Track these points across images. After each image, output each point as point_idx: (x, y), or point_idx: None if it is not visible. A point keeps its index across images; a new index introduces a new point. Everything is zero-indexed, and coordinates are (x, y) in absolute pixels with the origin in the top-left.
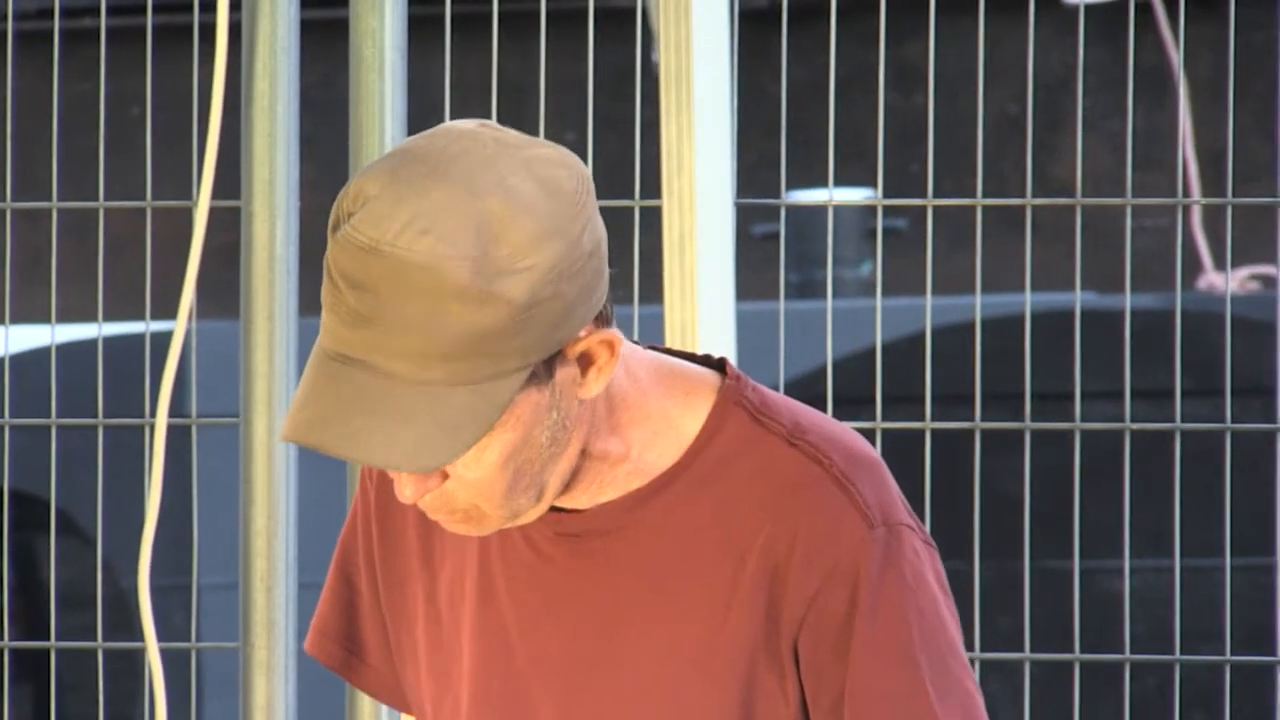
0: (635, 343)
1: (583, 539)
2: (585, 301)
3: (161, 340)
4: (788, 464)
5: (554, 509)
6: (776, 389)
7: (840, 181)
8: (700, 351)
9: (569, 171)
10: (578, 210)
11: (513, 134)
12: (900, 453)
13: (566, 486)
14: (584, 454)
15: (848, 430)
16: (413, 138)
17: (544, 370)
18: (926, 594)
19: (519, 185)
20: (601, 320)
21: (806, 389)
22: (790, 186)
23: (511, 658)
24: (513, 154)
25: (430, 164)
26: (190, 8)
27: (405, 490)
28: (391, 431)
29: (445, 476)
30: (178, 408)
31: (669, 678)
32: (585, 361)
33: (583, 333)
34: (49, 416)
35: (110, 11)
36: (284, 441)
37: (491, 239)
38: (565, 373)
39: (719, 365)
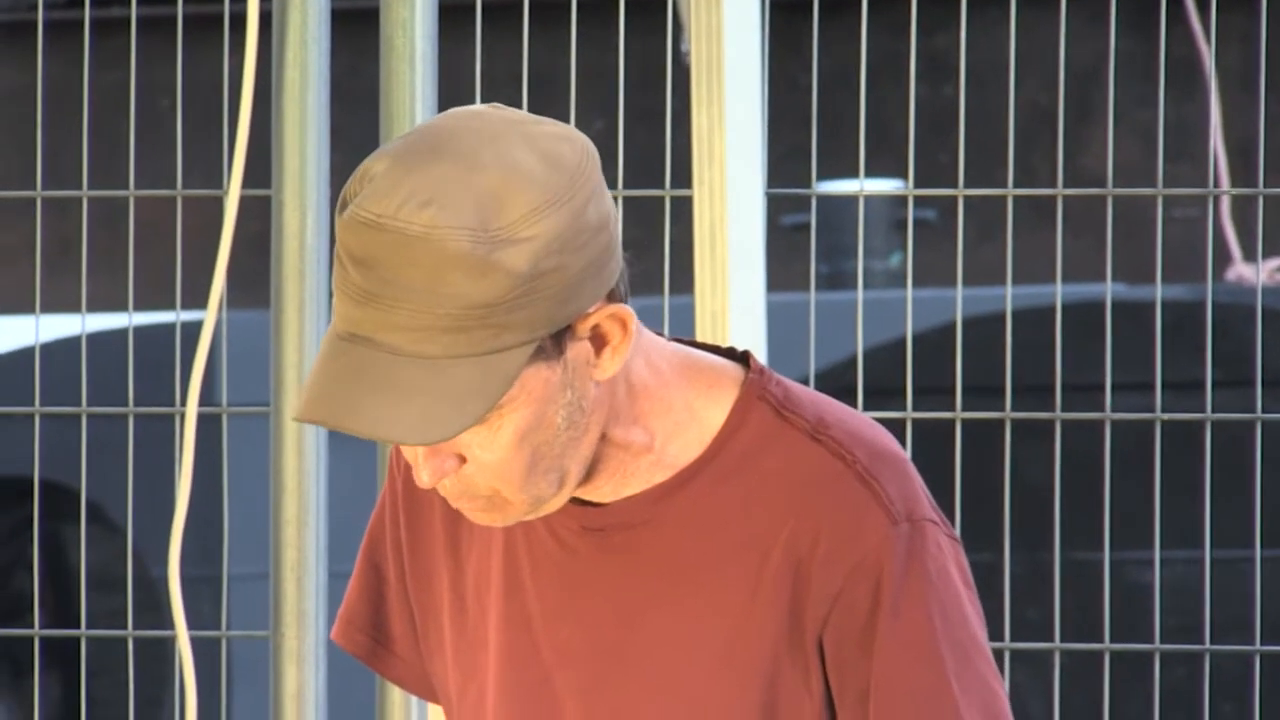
0: (659, 334)
1: (607, 533)
2: (594, 277)
3: (192, 329)
4: (811, 459)
5: (578, 502)
6: (806, 381)
7: (869, 172)
8: (731, 342)
9: (572, 145)
10: (581, 182)
11: (519, 113)
12: (930, 443)
13: (589, 475)
14: (605, 440)
15: (872, 424)
16: (424, 121)
17: (553, 345)
18: (950, 589)
19: (521, 158)
20: (615, 299)
21: (836, 380)
22: (819, 177)
23: (536, 649)
24: (517, 129)
25: (434, 141)
26: None
27: (422, 474)
28: (395, 405)
29: (462, 460)
30: (208, 397)
31: (692, 671)
32: (598, 340)
33: (592, 308)
34: (79, 405)
35: (141, 1)
36: (294, 420)
37: (492, 210)
38: (577, 350)
39: (742, 358)
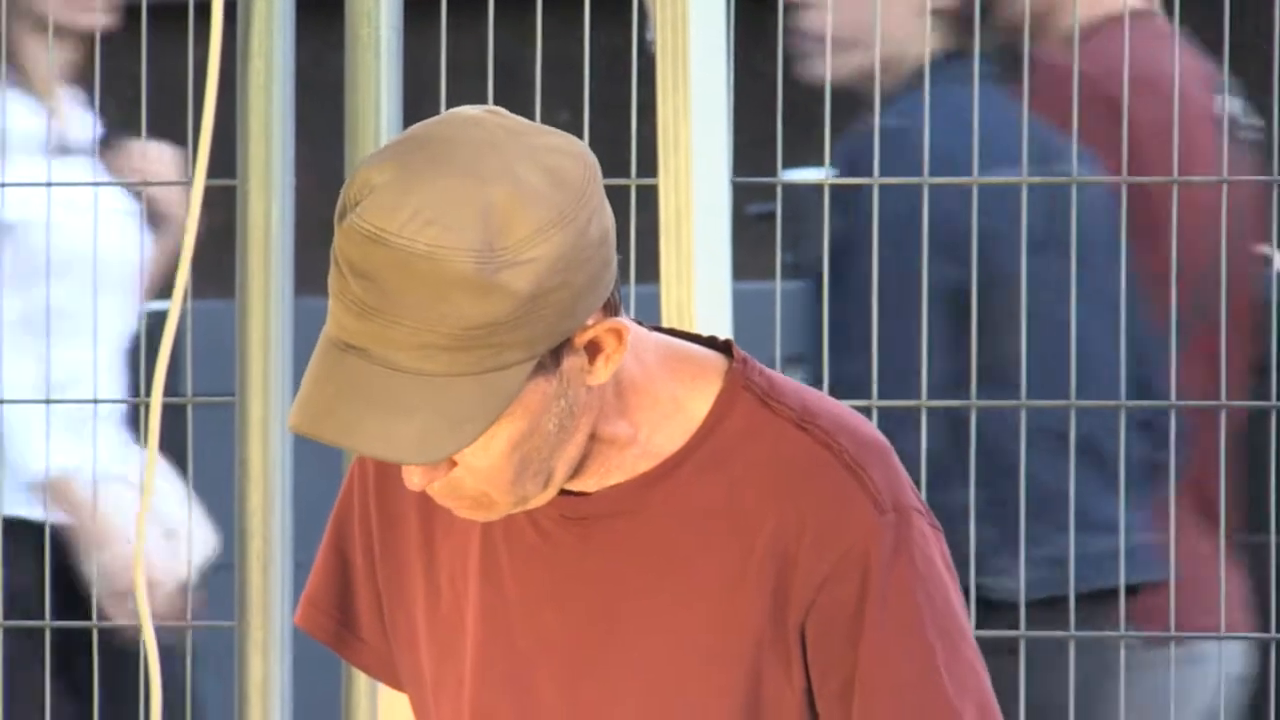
0: (639, 323)
1: (589, 522)
2: (593, 290)
3: (157, 319)
4: (797, 448)
5: (560, 491)
6: (772, 368)
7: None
8: (697, 331)
9: (575, 160)
10: (585, 199)
11: (520, 121)
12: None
13: (575, 471)
14: (592, 438)
15: (855, 414)
16: (419, 124)
17: (551, 360)
18: (936, 578)
19: (525, 175)
20: (609, 308)
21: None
22: (784, 165)
23: (515, 638)
24: (519, 142)
25: (436, 152)
26: None
27: (413, 478)
28: (394, 423)
29: (453, 465)
30: (173, 387)
31: (674, 661)
32: (593, 350)
33: (590, 321)
34: (44, 395)
35: None
36: (291, 431)
37: (497, 230)
38: (573, 361)
39: (725, 347)
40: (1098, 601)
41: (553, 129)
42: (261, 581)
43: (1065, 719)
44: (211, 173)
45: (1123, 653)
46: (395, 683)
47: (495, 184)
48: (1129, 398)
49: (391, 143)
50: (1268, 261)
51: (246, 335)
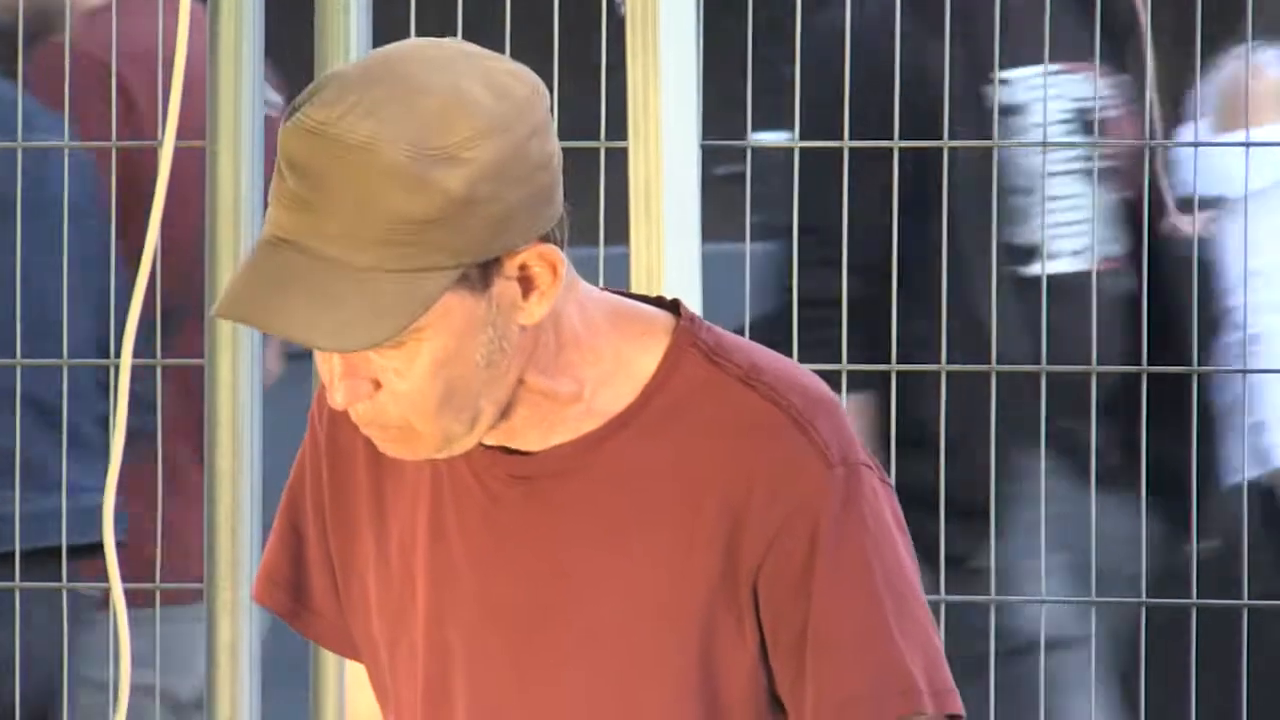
0: (593, 285)
1: (535, 481)
2: (530, 214)
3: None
4: (745, 405)
5: (505, 451)
6: (741, 331)
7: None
8: (667, 293)
9: (522, 81)
10: (527, 115)
11: (479, 49)
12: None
13: (507, 418)
14: (524, 385)
15: (804, 371)
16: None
17: (479, 277)
18: (886, 534)
19: (469, 86)
20: (550, 242)
21: (770, 331)
22: (753, 128)
23: (464, 601)
24: (472, 62)
25: (387, 62)
26: None
27: (336, 395)
28: (316, 311)
29: (378, 386)
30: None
31: (625, 622)
32: (526, 283)
33: (523, 246)
34: (14, 357)
35: None
36: (214, 316)
37: (435, 129)
38: (504, 288)
39: (673, 307)
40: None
41: (511, 60)
42: (230, 544)
43: None
44: (181, 135)
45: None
46: (352, 654)
47: (438, 92)
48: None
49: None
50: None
51: (215, 297)
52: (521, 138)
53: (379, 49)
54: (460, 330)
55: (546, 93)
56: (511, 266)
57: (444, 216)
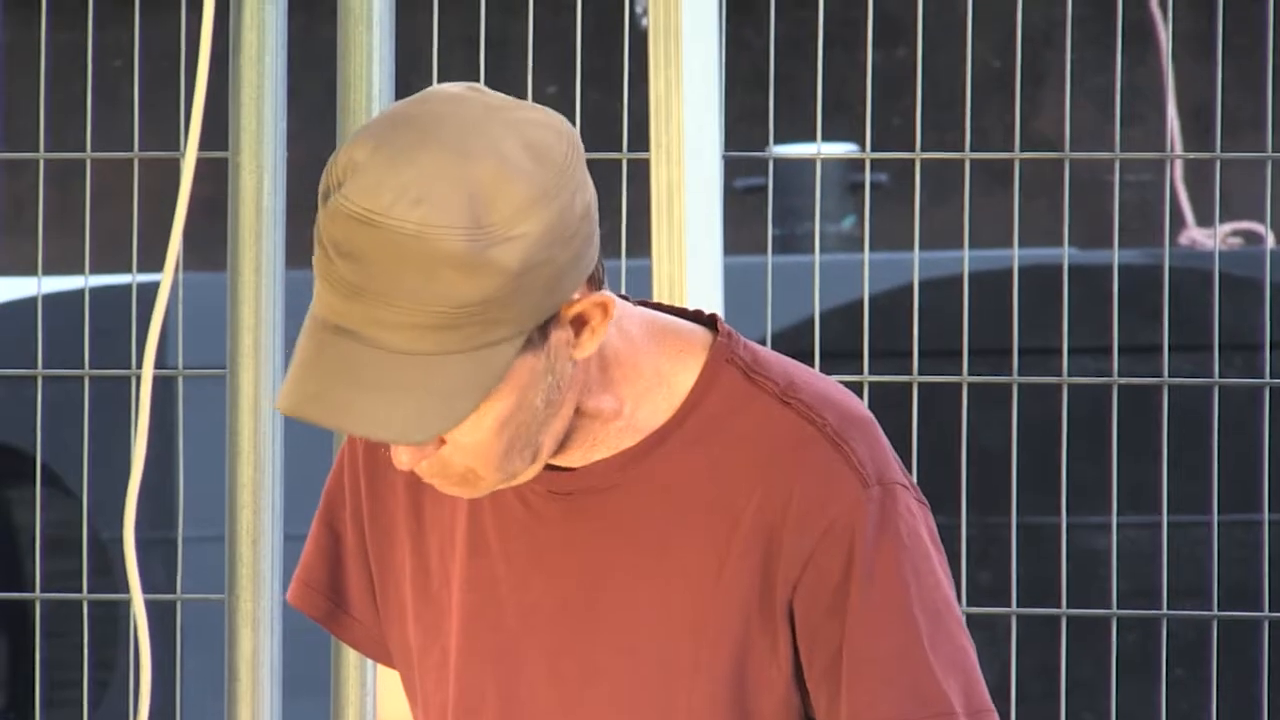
0: (624, 297)
1: (575, 497)
2: (578, 264)
3: (148, 292)
4: (782, 423)
5: (546, 467)
6: (763, 344)
7: (821, 136)
8: (688, 305)
9: (558, 135)
10: (569, 174)
11: (500, 97)
12: (886, 407)
13: (561, 446)
14: (578, 413)
15: (841, 388)
16: (400, 102)
17: (538, 335)
18: (921, 552)
19: (509, 151)
20: (594, 281)
21: (792, 343)
22: (770, 141)
23: (501, 612)
24: (501, 117)
25: (419, 129)
26: None
27: (402, 457)
28: (386, 403)
29: (442, 443)
30: (163, 359)
31: (660, 636)
32: (579, 323)
33: (576, 295)
34: (35, 368)
35: None
36: (281, 413)
37: (484, 207)
38: (559, 335)
39: (710, 322)
40: None
41: (532, 104)
42: (251, 555)
43: None
44: (202, 145)
45: None
46: (386, 659)
47: (480, 160)
48: None
49: (372, 122)
50: None
51: (238, 308)
52: (566, 199)
53: (399, 106)
54: (524, 386)
55: (577, 136)
56: (567, 316)
57: (503, 293)
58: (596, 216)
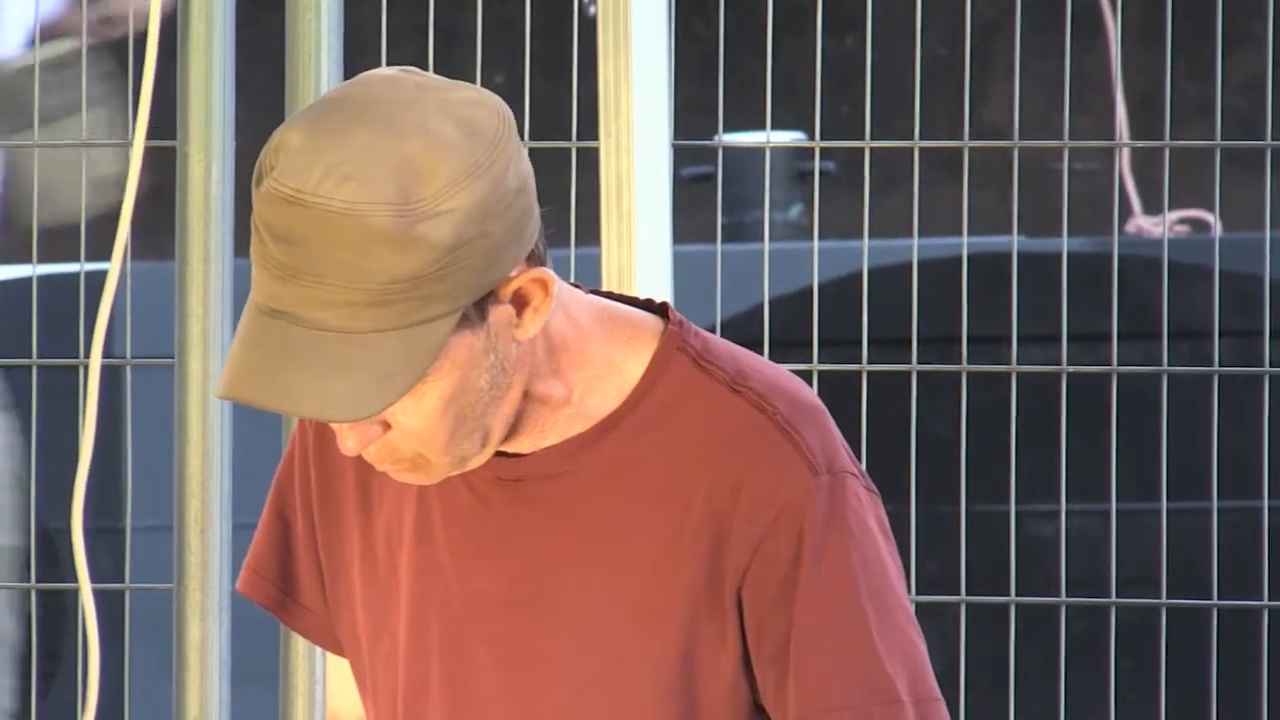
0: (576, 285)
1: (523, 483)
2: (515, 241)
3: (95, 281)
4: (732, 411)
5: (495, 453)
6: (712, 332)
7: (770, 124)
8: (637, 294)
9: (489, 111)
10: (500, 149)
11: (433, 77)
12: (836, 395)
13: (511, 431)
14: (527, 396)
15: (791, 376)
16: (334, 88)
17: (476, 312)
18: (870, 542)
19: (438, 128)
20: (534, 260)
21: (740, 331)
22: (719, 129)
23: (448, 600)
24: (433, 96)
25: (350, 110)
26: None
27: (347, 442)
28: (323, 383)
29: (387, 427)
30: (111, 349)
31: (608, 624)
32: (519, 302)
33: (514, 272)
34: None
35: None
36: (219, 398)
37: (412, 182)
38: (499, 314)
39: (661, 310)
40: None
41: (466, 84)
42: (200, 545)
43: None
44: (149, 134)
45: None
46: (336, 648)
47: (409, 138)
48: None
49: (306, 107)
50: None
51: (186, 297)
52: (499, 173)
53: (332, 91)
54: (464, 365)
55: (510, 114)
56: (505, 293)
57: (436, 268)
58: (534, 193)
